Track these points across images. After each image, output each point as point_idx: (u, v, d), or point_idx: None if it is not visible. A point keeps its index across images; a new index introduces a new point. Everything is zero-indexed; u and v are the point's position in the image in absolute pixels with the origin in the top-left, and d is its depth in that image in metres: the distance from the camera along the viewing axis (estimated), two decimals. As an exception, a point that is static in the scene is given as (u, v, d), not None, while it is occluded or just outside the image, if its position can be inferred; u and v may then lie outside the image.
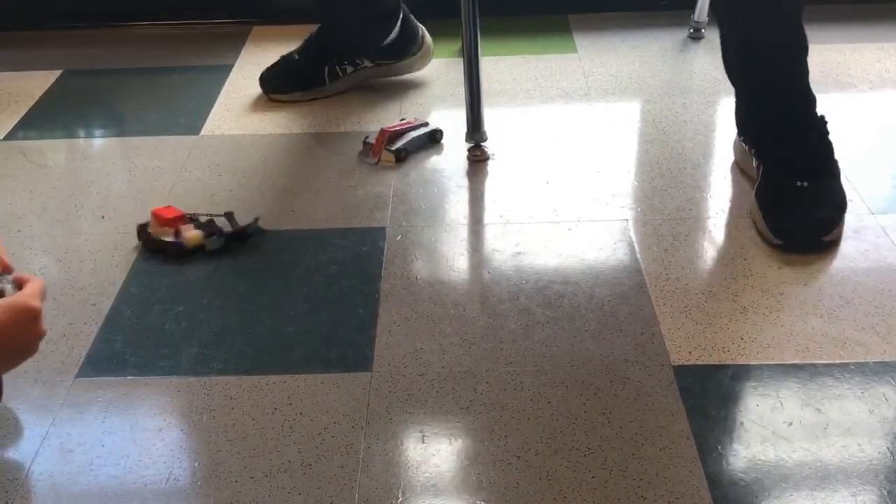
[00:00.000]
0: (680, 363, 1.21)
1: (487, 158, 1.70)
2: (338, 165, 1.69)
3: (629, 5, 2.28)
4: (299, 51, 1.96)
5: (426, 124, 1.76)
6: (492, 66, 2.03)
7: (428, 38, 2.02)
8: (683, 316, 1.29)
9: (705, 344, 1.24)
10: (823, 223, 1.43)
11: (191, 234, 1.46)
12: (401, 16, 1.96)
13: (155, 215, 1.48)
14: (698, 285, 1.35)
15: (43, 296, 0.83)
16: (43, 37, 2.30)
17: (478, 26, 1.65)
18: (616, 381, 1.18)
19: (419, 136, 1.74)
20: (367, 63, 1.97)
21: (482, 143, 1.71)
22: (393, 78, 2.01)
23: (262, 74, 1.97)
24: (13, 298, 0.79)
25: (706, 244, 1.45)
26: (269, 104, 1.93)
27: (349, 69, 1.96)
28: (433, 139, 1.75)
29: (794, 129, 1.49)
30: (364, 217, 1.55)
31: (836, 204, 1.46)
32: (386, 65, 1.99)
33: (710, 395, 1.16)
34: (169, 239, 1.46)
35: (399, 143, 1.70)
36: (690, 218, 1.51)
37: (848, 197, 1.47)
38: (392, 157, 1.69)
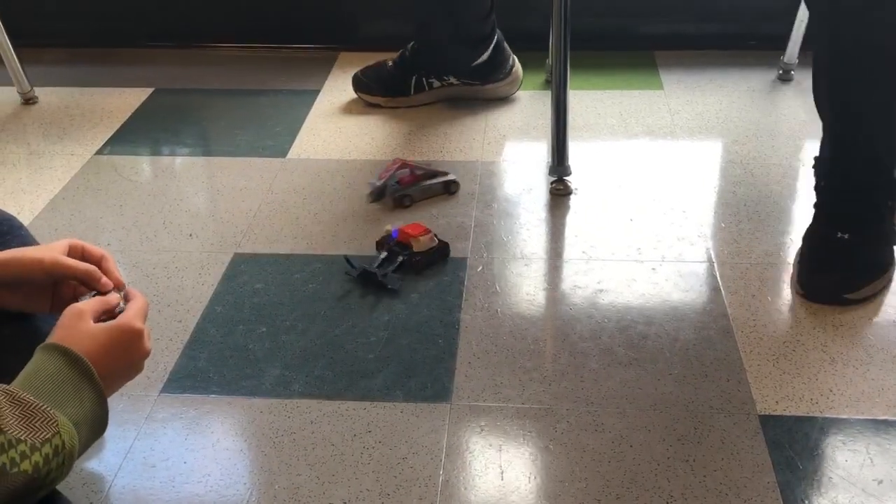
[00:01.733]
0: (767, 413, 1.18)
1: (570, 193, 1.69)
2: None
3: (717, 44, 2.26)
4: (394, 60, 2.04)
5: (445, 174, 1.71)
6: (577, 99, 2.03)
7: (518, 66, 2.04)
8: (771, 364, 1.26)
9: (793, 394, 1.21)
10: (851, 280, 1.37)
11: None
12: (494, 40, 2.00)
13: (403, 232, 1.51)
14: (786, 333, 1.33)
15: (145, 314, 0.85)
16: (137, 55, 2.36)
17: (568, 59, 1.65)
18: (700, 427, 1.16)
19: (431, 185, 1.70)
20: (453, 80, 2.00)
21: (565, 178, 1.70)
22: (479, 104, 2.02)
23: (356, 73, 2.07)
24: (118, 321, 0.81)
25: (794, 291, 1.42)
26: (355, 130, 1.95)
27: (435, 84, 2.01)
28: (448, 190, 1.72)
29: (853, 177, 1.41)
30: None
31: (872, 263, 1.40)
32: (471, 85, 2.02)
33: (797, 448, 1.13)
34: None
35: (404, 190, 1.67)
36: (778, 263, 1.48)
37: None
38: (392, 204, 1.66)
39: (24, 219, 1.64)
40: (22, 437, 0.69)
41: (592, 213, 1.63)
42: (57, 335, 0.79)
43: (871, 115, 1.38)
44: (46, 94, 2.14)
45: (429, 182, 1.70)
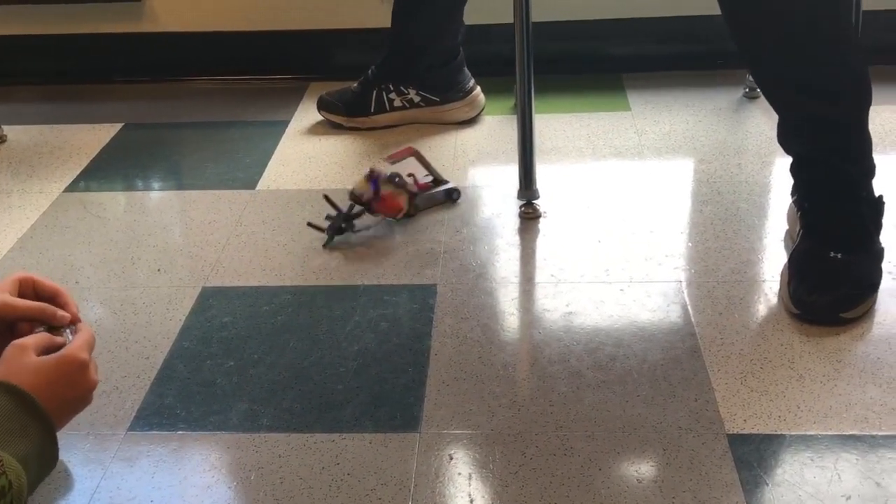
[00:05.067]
0: (735, 432, 1.18)
1: (539, 216, 1.70)
2: (391, 222, 1.70)
3: (683, 65, 2.28)
4: (359, 80, 2.09)
5: (445, 182, 1.77)
6: (544, 123, 2.04)
7: (478, 91, 2.08)
8: (738, 382, 1.27)
9: (761, 412, 1.22)
10: (846, 299, 1.38)
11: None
12: (458, 57, 2.05)
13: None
14: (754, 351, 1.33)
15: (90, 346, 0.84)
16: (106, 90, 2.36)
17: (532, 83, 1.66)
18: (669, 448, 1.16)
19: (434, 194, 1.74)
20: (413, 95, 2.02)
21: (534, 201, 1.71)
22: (448, 129, 2.03)
23: (321, 94, 2.12)
24: (61, 352, 0.80)
25: (761, 308, 1.43)
26: (325, 159, 1.95)
27: (396, 101, 2.03)
28: (450, 198, 1.75)
29: (840, 197, 1.44)
30: (415, 273, 1.55)
31: (865, 282, 1.41)
32: (431, 103, 2.05)
33: (765, 466, 1.13)
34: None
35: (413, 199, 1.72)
36: (745, 281, 1.48)
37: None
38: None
39: (-8, 259, 1.63)
40: None
41: (561, 236, 1.64)
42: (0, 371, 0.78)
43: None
44: (15, 133, 2.13)
45: (432, 191, 1.73)
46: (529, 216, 1.70)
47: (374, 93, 2.05)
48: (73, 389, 0.80)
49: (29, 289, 0.89)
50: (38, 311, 0.87)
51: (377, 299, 1.49)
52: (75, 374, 0.81)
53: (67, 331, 0.88)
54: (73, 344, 0.82)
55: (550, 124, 2.05)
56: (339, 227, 1.63)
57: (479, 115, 2.09)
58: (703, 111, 2.08)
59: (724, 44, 2.23)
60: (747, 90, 2.13)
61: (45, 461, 0.76)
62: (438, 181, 1.76)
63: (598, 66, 2.30)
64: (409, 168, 1.75)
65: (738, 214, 1.67)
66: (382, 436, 1.21)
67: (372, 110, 2.05)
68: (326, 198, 1.66)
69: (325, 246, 1.62)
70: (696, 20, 2.27)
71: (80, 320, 0.90)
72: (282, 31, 2.34)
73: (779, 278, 1.48)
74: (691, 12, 2.24)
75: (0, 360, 0.79)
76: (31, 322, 0.88)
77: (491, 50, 2.16)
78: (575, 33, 2.29)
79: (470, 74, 2.08)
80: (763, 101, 2.08)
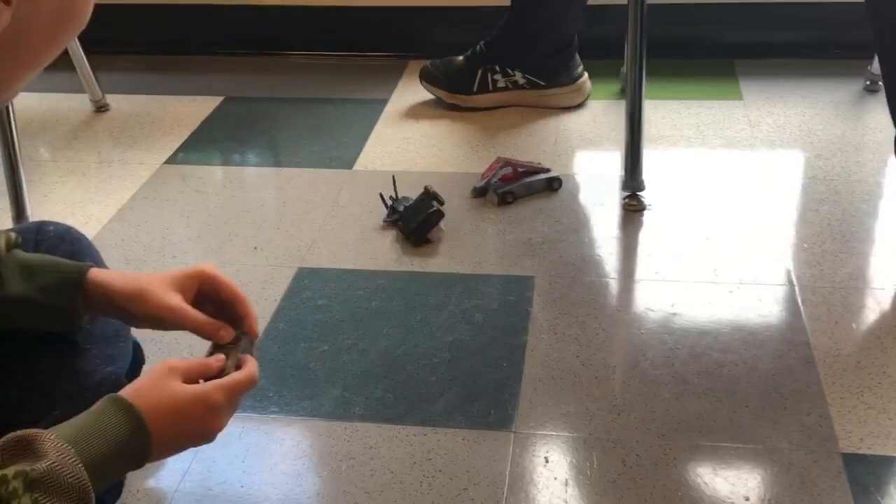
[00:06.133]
0: (851, 451, 1.11)
1: (644, 209, 1.63)
2: (489, 208, 1.66)
3: (800, 53, 2.17)
4: (465, 55, 2.03)
5: (547, 170, 1.71)
6: (652, 109, 1.96)
7: (586, 78, 2.01)
8: (855, 398, 1.19)
9: (879, 431, 1.14)
10: None
11: None
12: (573, 45, 1.98)
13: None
14: (872, 364, 1.25)
15: (237, 390, 0.79)
16: (208, 62, 2.37)
17: (644, 68, 1.59)
18: (779, 465, 1.10)
19: (533, 182, 1.69)
20: (518, 78, 1.96)
21: (639, 193, 1.64)
22: (547, 115, 1.97)
23: (426, 63, 2.06)
24: (199, 390, 0.76)
25: (881, 318, 1.34)
26: (422, 141, 1.92)
27: (500, 81, 1.97)
28: (550, 187, 1.70)
29: None
30: (512, 264, 1.51)
31: None
32: (536, 88, 1.98)
33: (883, 491, 1.06)
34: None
35: (507, 187, 1.66)
36: (864, 287, 1.40)
37: None
38: (496, 199, 1.65)
39: (92, 228, 1.65)
40: None
41: (666, 231, 1.57)
42: (136, 386, 0.75)
43: None
44: (118, 102, 2.15)
45: (531, 179, 1.69)
46: (633, 208, 1.63)
47: (480, 72, 1.99)
48: (194, 428, 0.76)
49: (209, 287, 0.85)
50: (203, 330, 0.83)
51: (473, 289, 1.45)
52: (203, 415, 0.76)
53: (233, 358, 0.82)
54: (217, 383, 0.77)
55: (658, 111, 1.97)
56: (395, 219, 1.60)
57: (584, 101, 2.02)
58: (820, 103, 1.97)
59: (844, 32, 2.15)
60: (868, 83, 2.01)
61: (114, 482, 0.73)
62: (538, 170, 1.70)
63: (710, 51, 2.21)
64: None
65: (858, 216, 1.58)
66: (475, 432, 1.17)
67: (475, 89, 2.00)
68: (382, 196, 1.63)
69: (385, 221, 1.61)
70: (814, 6, 2.16)
71: (256, 335, 0.86)
72: (383, 6, 2.30)
73: (901, 287, 1.39)
74: (810, -2, 2.13)
75: (145, 374, 0.76)
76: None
77: (597, 32, 2.09)
78: (686, 16, 2.19)
79: (580, 61, 2.01)
80: (872, 97, 1.97)
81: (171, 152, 1.93)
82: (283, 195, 1.76)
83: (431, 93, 2.05)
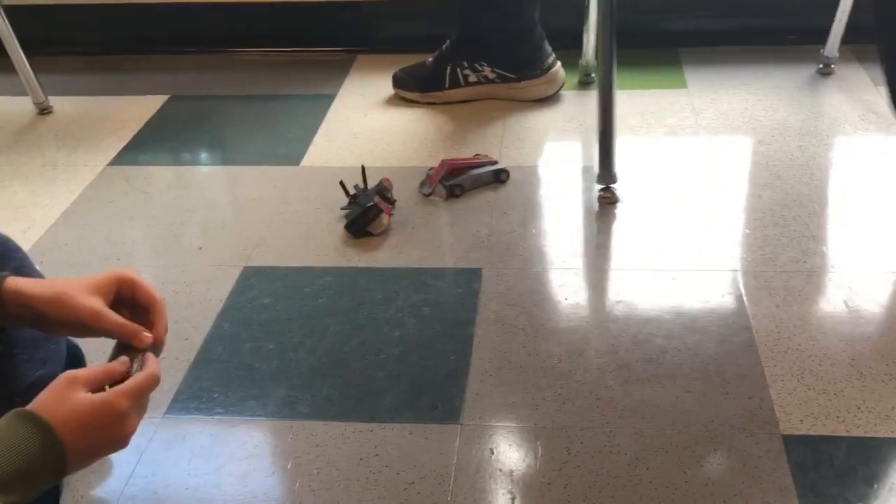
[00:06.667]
0: (791, 432, 1.13)
1: (617, 201, 1.62)
2: (437, 202, 1.66)
3: (744, 40, 2.19)
4: (433, 56, 2.02)
5: (494, 162, 1.72)
6: (592, 99, 1.97)
7: (559, 67, 1.99)
8: (795, 380, 1.21)
9: (819, 412, 1.16)
10: None
11: None
12: (536, 35, 1.97)
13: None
14: (812, 346, 1.27)
15: (140, 391, 0.78)
16: (152, 61, 2.34)
17: (614, 59, 1.57)
18: (720, 448, 1.11)
19: (480, 174, 1.69)
20: (487, 72, 1.96)
21: (612, 185, 1.63)
22: (501, 107, 1.97)
23: (395, 72, 2.06)
24: (103, 396, 0.75)
25: (822, 300, 1.36)
26: (371, 136, 1.91)
27: (471, 77, 1.97)
28: (498, 179, 1.70)
29: None
30: (460, 256, 1.51)
31: None
32: (507, 80, 1.98)
33: (822, 470, 1.08)
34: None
35: (455, 179, 1.67)
36: (805, 271, 1.42)
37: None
38: (444, 192, 1.66)
39: (36, 233, 1.62)
40: None
41: (609, 221, 1.58)
42: (40, 399, 0.73)
43: None
44: (61, 104, 2.12)
45: (479, 171, 1.69)
46: (608, 201, 1.62)
47: (449, 69, 1.99)
48: (104, 435, 0.76)
49: (128, 291, 0.85)
50: (123, 333, 0.82)
51: (421, 282, 1.45)
52: (111, 422, 0.76)
53: (138, 359, 0.82)
54: (119, 389, 0.77)
55: (580, 99, 1.97)
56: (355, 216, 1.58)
57: (557, 91, 2.01)
58: (763, 89, 1.99)
59: (789, 19, 2.17)
60: (822, 66, 2.03)
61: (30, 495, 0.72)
62: (485, 163, 1.71)
63: (655, 40, 2.22)
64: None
65: (799, 200, 1.60)
66: (423, 426, 1.18)
67: (447, 85, 2.00)
68: (342, 184, 1.62)
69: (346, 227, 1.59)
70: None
71: (162, 343, 0.85)
72: (329, 1, 2.29)
73: (840, 268, 1.41)
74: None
75: (48, 388, 0.75)
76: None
77: (552, 22, 2.08)
78: (631, 5, 2.20)
79: (550, 51, 1.99)
80: (826, 83, 2.00)
81: (116, 153, 1.90)
82: (230, 194, 1.74)
83: (406, 98, 2.04)
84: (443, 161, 1.70)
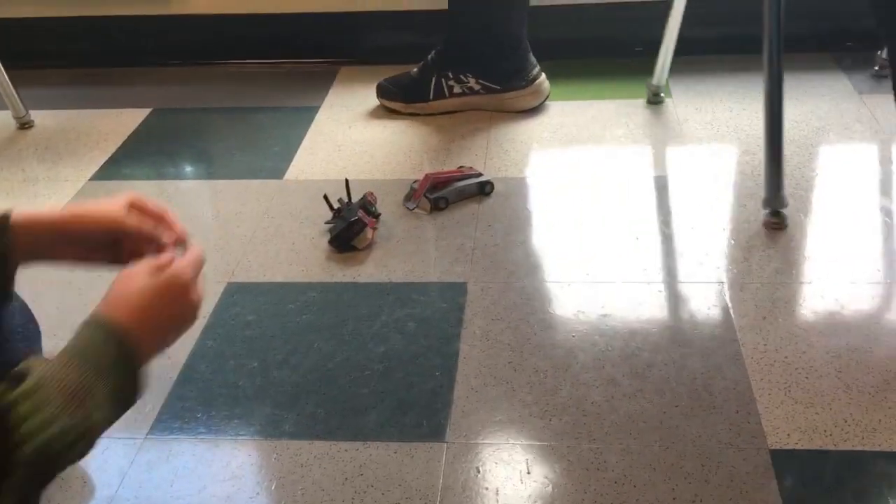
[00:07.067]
0: (778, 447, 1.13)
1: (786, 226, 1.55)
2: (422, 215, 1.65)
3: (727, 49, 2.19)
4: (418, 67, 2.01)
5: (478, 175, 1.71)
6: (558, 109, 1.97)
7: (543, 78, 1.99)
8: (783, 393, 1.21)
9: (806, 426, 1.15)
10: None
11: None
12: (521, 47, 1.97)
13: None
14: (799, 359, 1.27)
15: (196, 265, 0.83)
16: (134, 74, 2.33)
17: (781, 67, 1.54)
18: (708, 464, 1.11)
19: (465, 187, 1.68)
20: (472, 83, 1.95)
21: (781, 209, 1.56)
22: (486, 119, 1.97)
23: (380, 81, 2.05)
24: (165, 275, 0.80)
25: (808, 313, 1.36)
26: (355, 149, 1.90)
27: (455, 88, 1.96)
28: (483, 191, 1.69)
29: None
30: (444, 270, 1.50)
31: None
32: (491, 91, 1.97)
33: (810, 485, 1.07)
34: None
35: (439, 192, 1.66)
36: (791, 283, 1.42)
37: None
38: (428, 205, 1.65)
39: (16, 250, 1.60)
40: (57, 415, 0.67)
41: (596, 233, 1.58)
42: (105, 301, 0.77)
43: None
44: (43, 118, 2.11)
45: (463, 183, 1.68)
46: (776, 227, 1.54)
47: (433, 79, 1.98)
48: (174, 310, 0.80)
49: (138, 209, 0.89)
50: (149, 231, 0.85)
51: (405, 297, 1.44)
52: (178, 295, 0.80)
53: (178, 250, 0.87)
54: (177, 263, 0.81)
55: (565, 110, 1.97)
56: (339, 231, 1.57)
57: (543, 102, 2.01)
58: (748, 99, 2.00)
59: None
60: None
61: (120, 405, 0.73)
62: (470, 175, 1.70)
63: (637, 50, 2.22)
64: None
65: (785, 210, 1.60)
66: (408, 445, 1.17)
67: (431, 96, 1.99)
68: (326, 198, 1.61)
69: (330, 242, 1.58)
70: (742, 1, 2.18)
71: (185, 239, 0.88)
72: (312, 12, 2.28)
73: (826, 280, 1.41)
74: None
75: (109, 290, 0.79)
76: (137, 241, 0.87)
77: (542, 34, 2.08)
78: (609, 15, 2.20)
79: (535, 62, 1.99)
80: (809, 89, 2.00)
81: (98, 168, 1.89)
82: (213, 208, 1.73)
83: (390, 108, 2.03)
84: (427, 175, 1.69)
